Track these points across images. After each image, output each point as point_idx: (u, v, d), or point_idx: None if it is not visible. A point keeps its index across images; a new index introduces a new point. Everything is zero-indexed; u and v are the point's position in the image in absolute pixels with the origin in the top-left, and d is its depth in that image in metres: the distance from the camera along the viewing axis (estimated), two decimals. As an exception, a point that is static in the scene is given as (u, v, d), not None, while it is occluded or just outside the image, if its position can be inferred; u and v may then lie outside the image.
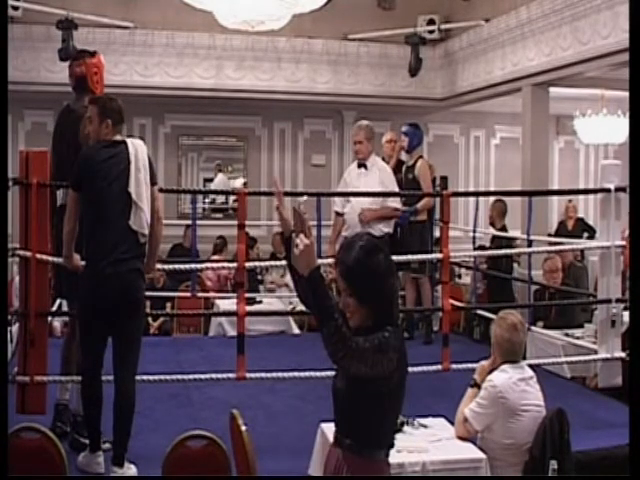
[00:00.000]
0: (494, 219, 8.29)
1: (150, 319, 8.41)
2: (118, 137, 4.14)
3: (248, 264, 5.02)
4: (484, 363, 4.00)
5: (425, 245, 7.19)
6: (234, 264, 5.19)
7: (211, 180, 11.53)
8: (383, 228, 6.53)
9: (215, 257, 9.53)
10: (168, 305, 8.59)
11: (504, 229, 8.19)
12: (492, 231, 8.32)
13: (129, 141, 4.14)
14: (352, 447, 2.53)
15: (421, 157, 7.60)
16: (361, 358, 2.41)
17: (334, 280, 10.18)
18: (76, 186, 4.05)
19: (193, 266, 5.91)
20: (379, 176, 6.57)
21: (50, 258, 4.36)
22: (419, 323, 7.73)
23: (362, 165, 6.61)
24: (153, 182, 4.16)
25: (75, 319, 4.55)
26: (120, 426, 3.96)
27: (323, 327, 2.39)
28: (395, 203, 6.62)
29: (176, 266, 5.55)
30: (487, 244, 8.46)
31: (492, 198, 8.67)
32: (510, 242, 8.02)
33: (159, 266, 4.93)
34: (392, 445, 2.62)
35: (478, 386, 3.95)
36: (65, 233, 4.09)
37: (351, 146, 11.72)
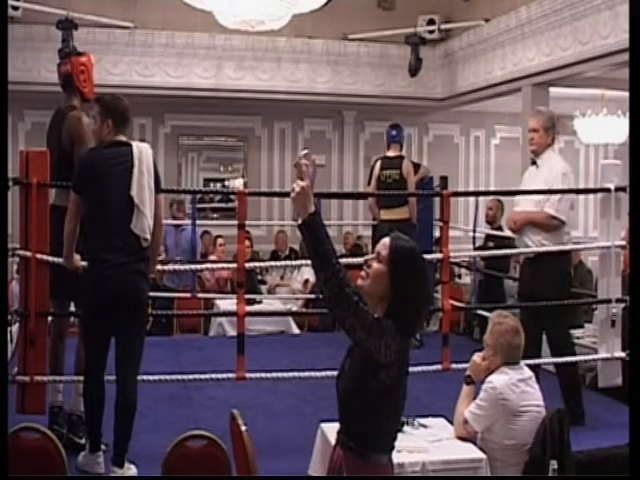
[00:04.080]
0: (494, 216, 8.27)
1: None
2: (122, 138, 4.11)
3: (248, 265, 5.02)
4: (476, 358, 3.99)
5: None
6: (232, 265, 5.20)
7: (212, 180, 11.57)
8: (543, 240, 5.13)
9: (212, 257, 9.52)
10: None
11: (500, 228, 8.20)
12: (489, 230, 8.32)
13: (135, 144, 4.11)
14: (355, 450, 2.52)
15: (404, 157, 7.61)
16: (358, 314, 2.39)
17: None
18: (77, 188, 4.04)
19: (192, 267, 5.92)
20: (544, 177, 5.24)
21: (50, 259, 4.36)
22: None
23: (534, 162, 5.35)
24: (158, 189, 4.13)
25: (60, 320, 4.58)
26: (121, 426, 3.95)
27: (321, 272, 2.37)
28: (551, 209, 5.11)
29: (176, 267, 5.55)
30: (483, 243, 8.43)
31: (491, 197, 8.67)
32: (511, 241, 7.98)
33: (159, 267, 4.94)
34: (393, 447, 2.62)
35: (473, 382, 3.97)
36: (65, 233, 4.08)
37: (352, 146, 11.92)
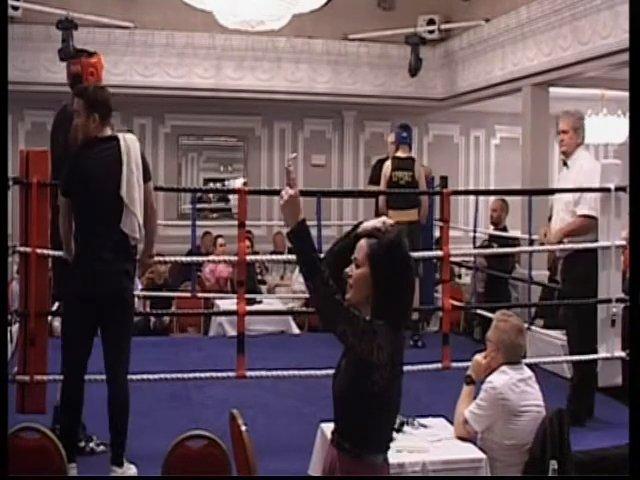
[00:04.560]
0: (499, 217, 8.26)
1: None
2: (108, 132, 4.06)
3: (249, 257, 5.01)
4: (478, 358, 3.99)
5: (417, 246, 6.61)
6: (233, 258, 5.19)
7: (212, 180, 11.57)
8: (576, 243, 5.17)
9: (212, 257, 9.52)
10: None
11: (505, 229, 8.19)
12: (492, 230, 8.31)
13: (121, 137, 4.05)
14: (350, 451, 2.52)
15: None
16: (348, 320, 2.39)
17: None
18: (65, 192, 4.02)
19: (194, 259, 5.87)
20: (575, 178, 5.19)
21: (50, 253, 4.35)
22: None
23: (565, 163, 5.36)
24: (147, 178, 4.10)
25: None
26: (117, 425, 3.94)
27: (310, 281, 2.37)
28: (584, 209, 5.10)
29: (177, 258, 5.47)
30: (485, 243, 8.42)
31: (492, 197, 8.67)
32: (515, 241, 7.97)
33: (160, 258, 4.93)
34: (389, 447, 2.61)
35: (474, 382, 3.97)
36: (62, 235, 4.10)
37: (352, 146, 11.92)
